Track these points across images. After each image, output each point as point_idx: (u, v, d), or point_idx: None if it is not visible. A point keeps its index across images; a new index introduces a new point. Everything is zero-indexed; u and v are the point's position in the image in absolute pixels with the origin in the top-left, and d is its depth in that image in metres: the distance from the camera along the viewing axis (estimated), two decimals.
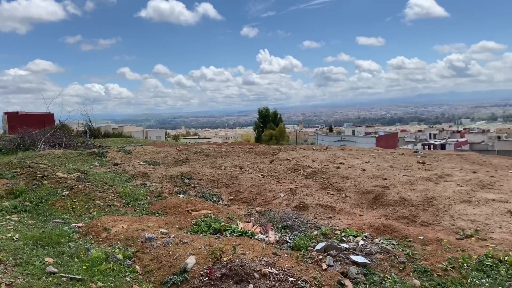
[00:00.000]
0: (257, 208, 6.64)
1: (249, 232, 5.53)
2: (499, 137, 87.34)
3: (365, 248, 4.97)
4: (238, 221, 5.99)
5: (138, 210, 6.70)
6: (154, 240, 5.18)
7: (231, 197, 7.23)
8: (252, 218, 6.22)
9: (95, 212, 6.49)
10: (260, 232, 5.69)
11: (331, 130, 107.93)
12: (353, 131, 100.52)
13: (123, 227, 5.70)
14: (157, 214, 6.54)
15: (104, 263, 4.69)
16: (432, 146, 70.71)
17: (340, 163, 9.25)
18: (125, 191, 7.46)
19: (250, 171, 8.57)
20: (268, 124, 53.68)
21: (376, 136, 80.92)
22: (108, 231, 5.62)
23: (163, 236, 5.32)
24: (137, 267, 4.62)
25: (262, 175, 8.32)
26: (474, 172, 8.29)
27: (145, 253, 4.87)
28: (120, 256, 4.83)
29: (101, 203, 6.84)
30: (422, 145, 74.83)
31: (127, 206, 6.87)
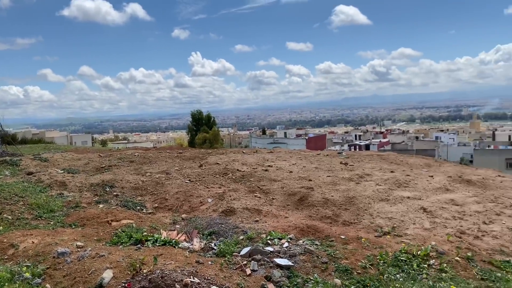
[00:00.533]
0: (183, 215, 6.45)
1: (173, 241, 5.34)
2: (417, 137, 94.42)
3: (289, 250, 5.01)
4: (162, 230, 5.76)
5: (52, 223, 6.20)
6: (67, 254, 4.79)
7: (156, 204, 6.97)
8: (177, 226, 6.03)
9: (1, 227, 5.90)
10: (185, 240, 5.52)
11: (264, 132, 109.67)
12: (285, 133, 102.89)
13: (33, 242, 5.22)
14: (73, 226, 6.09)
15: (8, 283, 4.24)
16: (357, 147, 74.51)
17: (269, 166, 9.34)
18: (38, 202, 6.88)
19: (177, 177, 8.34)
20: (202, 127, 53.09)
21: (306, 138, 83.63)
22: (15, 248, 5.12)
23: (79, 249, 4.95)
24: (48, 285, 4.24)
25: (189, 180, 8.13)
26: (392, 172, 8.79)
27: (57, 270, 4.49)
28: (27, 275, 4.40)
29: (9, 217, 6.24)
30: (348, 145, 78.58)
31: (39, 218, 6.33)
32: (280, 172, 8.69)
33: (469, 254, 4.99)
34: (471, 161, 62.10)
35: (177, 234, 5.65)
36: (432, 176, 8.52)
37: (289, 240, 5.36)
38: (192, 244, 5.32)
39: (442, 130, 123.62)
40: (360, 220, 6.22)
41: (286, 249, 5.04)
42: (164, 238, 5.39)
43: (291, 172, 8.71)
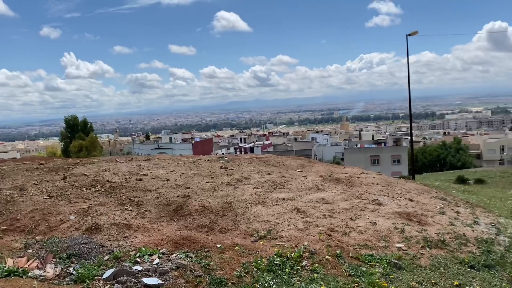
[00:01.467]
0: (38, 237, 5.56)
1: (21, 269, 4.52)
2: (296, 139, 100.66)
3: (161, 267, 4.60)
4: (7, 257, 4.86)
5: None
6: None
7: (5, 227, 5.92)
8: (29, 251, 5.15)
9: None
10: (37, 267, 4.72)
11: (148, 138, 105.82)
12: (170, 138, 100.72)
13: None
14: None
15: None
16: (243, 149, 76.42)
17: (144, 175, 8.75)
18: None
19: (34, 192, 7.26)
20: (77, 134, 48.83)
21: (193, 142, 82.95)
22: None
23: None
24: None
25: (49, 195, 7.14)
26: (269, 174, 8.93)
27: None
28: None
29: None
30: (234, 148, 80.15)
31: None
32: (156, 181, 8.18)
33: (338, 251, 5.18)
34: (342, 159, 68.36)
35: (27, 261, 4.82)
36: (305, 176, 8.88)
37: (161, 255, 4.94)
38: (45, 271, 4.57)
39: (317, 132, 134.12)
40: (237, 225, 6.08)
41: (156, 266, 4.62)
42: (9, 267, 4.53)
43: (168, 180, 8.26)
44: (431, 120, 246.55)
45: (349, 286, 4.38)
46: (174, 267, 4.57)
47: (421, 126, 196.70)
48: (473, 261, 5.28)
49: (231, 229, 5.99)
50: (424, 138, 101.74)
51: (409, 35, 22.35)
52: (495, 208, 8.87)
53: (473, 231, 6.36)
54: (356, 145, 77.26)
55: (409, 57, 22.98)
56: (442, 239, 5.86)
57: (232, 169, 9.38)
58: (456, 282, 4.60)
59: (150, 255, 4.91)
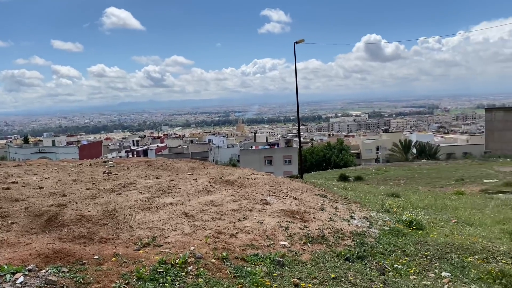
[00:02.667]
0: None
1: None
2: (192, 141, 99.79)
3: (25, 286, 4.09)
4: None
5: None
6: None
7: None
8: None
9: None
10: None
11: (26, 141, 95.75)
12: (53, 141, 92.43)
13: None
14: None
15: None
16: (135, 152, 73.27)
17: (13, 182, 7.76)
18: None
19: None
20: None
21: (79, 145, 77.04)
22: None
23: None
24: None
25: None
26: (157, 178, 8.61)
27: None
28: None
29: None
30: (126, 152, 76.46)
31: None
32: (27, 189, 7.31)
33: (224, 254, 5.16)
34: (238, 160, 69.77)
35: None
36: (195, 179, 8.76)
37: (27, 272, 4.38)
38: None
39: (214, 134, 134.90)
40: (120, 234, 5.71)
41: (20, 286, 4.10)
42: None
43: (41, 188, 7.44)
44: (318, 122, 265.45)
45: None
46: (42, 285, 4.09)
47: (309, 129, 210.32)
48: (348, 254, 5.70)
49: (112, 238, 5.60)
50: (312, 139, 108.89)
51: (296, 42, 23.66)
52: (369, 203, 9.74)
53: (349, 225, 6.89)
54: (251, 147, 79.46)
55: (298, 63, 24.35)
56: (322, 235, 6.22)
57: (116, 174, 8.84)
58: (332, 275, 4.90)
59: (13, 273, 4.33)
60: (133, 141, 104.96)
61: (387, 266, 5.55)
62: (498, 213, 9.80)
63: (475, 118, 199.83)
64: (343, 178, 29.16)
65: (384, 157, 71.12)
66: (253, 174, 10.13)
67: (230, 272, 4.76)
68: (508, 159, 38.12)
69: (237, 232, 6.01)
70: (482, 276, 5.18)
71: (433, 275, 5.34)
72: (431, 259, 5.81)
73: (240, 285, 4.45)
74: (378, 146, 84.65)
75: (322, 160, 64.04)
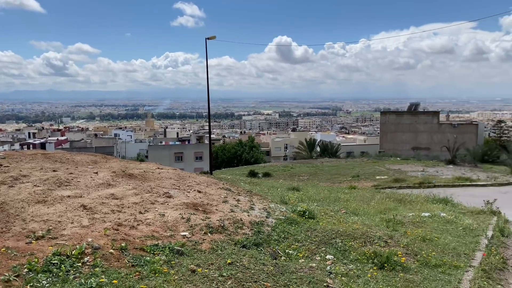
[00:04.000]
0: None
1: None
2: (96, 135, 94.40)
3: None
4: None
5: None
6: None
7: None
8: None
9: None
10: None
11: None
12: None
13: None
14: None
15: None
16: (32, 145, 67.30)
17: None
18: None
19: None
20: None
21: None
22: None
23: None
24: None
25: None
26: (54, 171, 8.21)
27: None
28: None
29: None
30: (20, 145, 69.91)
31: None
32: None
33: (123, 244, 5.20)
34: (146, 156, 67.75)
35: None
36: (96, 173, 8.53)
37: None
38: None
39: (120, 128, 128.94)
40: (10, 227, 5.42)
41: None
42: None
43: None
44: (230, 120, 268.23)
45: (131, 276, 4.48)
46: None
47: (222, 126, 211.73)
48: (245, 241, 6.09)
49: (2, 231, 5.30)
50: (224, 136, 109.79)
51: (208, 38, 23.81)
52: (271, 196, 10.35)
53: (248, 215, 7.31)
54: (161, 142, 77.66)
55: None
56: (222, 225, 6.54)
57: (8, 166, 8.23)
58: (229, 261, 5.22)
59: None
60: (29, 133, 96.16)
61: (279, 252, 6.05)
62: (381, 204, 11.05)
63: (372, 120, 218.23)
64: (252, 174, 30.04)
65: (291, 155, 74.41)
66: (158, 168, 10.12)
67: (129, 262, 4.84)
68: (398, 158, 42.48)
69: (138, 224, 6.06)
70: (359, 257, 5.92)
71: (319, 258, 5.95)
72: (319, 244, 6.46)
73: (137, 273, 4.56)
74: (286, 144, 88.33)
75: (234, 157, 65.01)
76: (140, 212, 6.50)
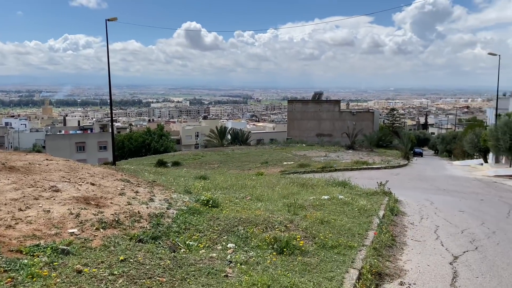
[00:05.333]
0: None
1: None
2: None
3: None
4: None
5: None
6: None
7: None
8: None
9: None
10: None
11: None
12: None
13: None
14: None
15: None
16: None
17: None
18: None
19: None
20: None
21: None
22: None
23: None
24: None
25: None
26: None
27: None
28: None
29: None
30: None
31: None
32: None
33: None
34: (44, 147, 62.17)
35: None
36: None
37: None
38: None
39: (13, 116, 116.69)
40: None
41: None
42: None
43: None
44: (138, 107, 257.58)
45: (1, 283, 3.90)
46: None
47: (129, 113, 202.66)
48: (142, 235, 5.72)
49: None
50: (130, 124, 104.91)
51: (109, 20, 22.28)
52: (177, 186, 9.97)
53: (147, 208, 6.91)
54: (60, 132, 71.79)
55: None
56: (117, 219, 6.07)
57: None
58: (121, 257, 4.84)
59: None
60: None
61: (179, 244, 5.79)
62: (285, 189, 11.31)
63: (281, 108, 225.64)
64: (161, 163, 29.12)
65: (202, 143, 73.88)
66: (46, 159, 9.14)
67: (1, 267, 4.22)
68: (304, 144, 44.48)
69: (16, 223, 5.36)
70: (260, 244, 5.91)
71: (220, 247, 5.82)
72: (221, 233, 6.33)
73: (10, 280, 3.99)
74: (197, 133, 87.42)
75: (142, 146, 62.50)
76: (20, 209, 5.76)
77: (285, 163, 28.96)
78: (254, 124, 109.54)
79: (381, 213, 9.03)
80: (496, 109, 40.44)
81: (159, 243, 5.68)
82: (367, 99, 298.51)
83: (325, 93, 78.17)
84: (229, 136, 54.48)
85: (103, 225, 5.79)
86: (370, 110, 63.29)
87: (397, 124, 78.92)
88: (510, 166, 31.19)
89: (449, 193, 15.98)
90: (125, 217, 6.26)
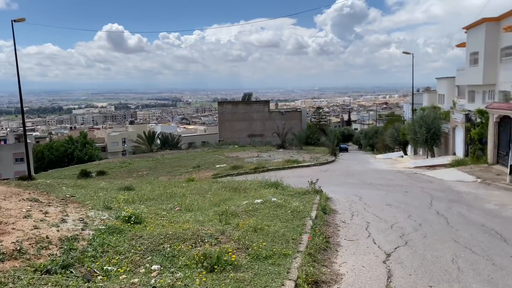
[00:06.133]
0: None
1: None
2: None
3: None
4: None
5: None
6: None
7: None
8: None
9: None
10: None
11: None
12: None
13: None
14: None
15: None
16: None
17: None
18: None
19: None
20: None
21: None
22: None
23: None
24: None
25: None
26: None
27: None
28: None
29: None
30: None
31: None
32: None
33: None
34: None
35: None
36: None
37: None
38: None
39: None
40: None
41: None
42: None
43: None
44: (58, 114, 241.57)
45: None
46: None
47: (49, 121, 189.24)
48: (50, 265, 4.94)
49: None
50: (50, 133, 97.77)
51: (15, 21, 20.25)
52: (93, 201, 9.05)
53: (58, 230, 6.08)
54: None
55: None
56: (19, 248, 5.22)
57: None
58: None
59: None
60: None
61: (95, 270, 5.09)
62: (217, 195, 10.84)
63: (212, 110, 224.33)
64: (84, 174, 27.21)
65: (130, 149, 70.79)
66: None
67: None
68: (236, 146, 44.28)
69: None
70: (188, 262, 5.38)
71: (143, 270, 5.21)
72: (144, 253, 5.71)
73: None
74: (124, 139, 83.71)
75: (64, 156, 58.40)
76: None
77: (217, 166, 28.46)
78: (184, 127, 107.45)
79: (313, 213, 8.91)
80: (412, 104, 43.37)
81: (71, 272, 4.94)
82: (295, 98, 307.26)
83: (255, 93, 78.96)
84: (158, 141, 52.72)
85: (1, 257, 4.91)
86: (298, 110, 64.84)
87: (323, 122, 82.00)
88: (427, 157, 33.51)
89: (375, 187, 16.54)
90: (30, 244, 5.41)
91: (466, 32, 35.60)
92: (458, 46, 40.99)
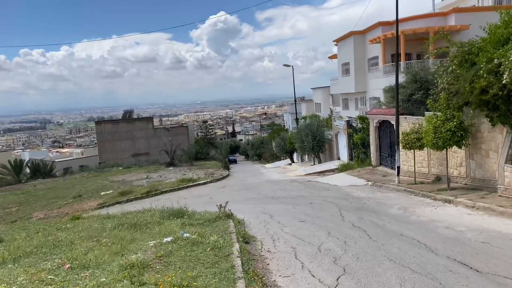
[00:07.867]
0: None
1: None
2: None
3: None
4: None
5: None
6: None
7: None
8: None
9: None
10: None
11: None
12: None
13: None
14: None
15: None
16: None
17: None
18: None
19: None
20: None
21: None
22: None
23: None
24: None
25: None
26: None
27: None
28: None
29: None
30: None
31: None
32: None
33: None
34: None
35: None
36: None
37: None
38: None
39: None
40: None
41: None
42: None
43: None
44: None
45: None
46: None
47: None
48: None
49: None
50: None
51: None
52: None
53: None
54: None
55: None
56: None
57: None
58: None
59: None
60: None
61: None
62: (115, 239, 9.03)
63: (87, 130, 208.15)
64: None
65: None
66: None
67: None
68: (120, 168, 40.83)
69: None
70: None
71: None
72: None
73: None
74: None
75: None
76: None
77: (102, 193, 25.50)
78: (58, 151, 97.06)
79: (236, 247, 7.86)
80: (296, 113, 45.33)
81: None
82: (177, 113, 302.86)
83: (135, 110, 75.11)
84: (27, 170, 46.14)
85: None
86: (184, 125, 63.35)
87: (210, 135, 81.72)
88: (314, 164, 35.04)
89: (280, 201, 16.19)
90: None
91: (336, 45, 38.49)
92: (330, 57, 44.26)
